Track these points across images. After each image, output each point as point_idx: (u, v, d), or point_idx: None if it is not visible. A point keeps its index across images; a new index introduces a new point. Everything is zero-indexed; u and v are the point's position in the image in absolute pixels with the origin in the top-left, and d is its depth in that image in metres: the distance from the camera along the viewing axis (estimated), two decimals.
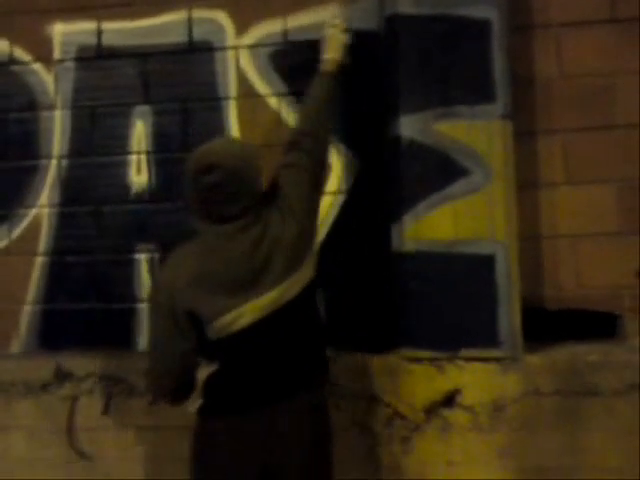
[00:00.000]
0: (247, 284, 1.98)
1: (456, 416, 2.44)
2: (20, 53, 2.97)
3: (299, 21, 2.77)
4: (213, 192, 1.97)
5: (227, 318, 1.98)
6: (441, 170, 2.44)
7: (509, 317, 2.42)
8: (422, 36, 2.45)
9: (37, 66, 2.95)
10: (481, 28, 2.42)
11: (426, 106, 2.44)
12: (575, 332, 2.58)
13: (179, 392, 2.07)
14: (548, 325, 2.61)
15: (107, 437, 2.64)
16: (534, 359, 2.42)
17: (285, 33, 2.78)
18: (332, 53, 2.37)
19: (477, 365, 2.42)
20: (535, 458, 2.39)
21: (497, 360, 2.41)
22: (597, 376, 2.35)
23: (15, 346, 2.93)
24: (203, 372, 2.04)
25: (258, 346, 2.00)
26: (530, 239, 2.64)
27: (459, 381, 2.44)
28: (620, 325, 2.57)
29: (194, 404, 2.05)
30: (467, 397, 2.44)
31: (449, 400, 2.44)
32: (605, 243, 2.60)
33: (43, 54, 2.94)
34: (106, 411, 2.62)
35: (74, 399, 2.67)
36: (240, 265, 1.98)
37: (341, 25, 2.43)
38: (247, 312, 1.98)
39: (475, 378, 2.43)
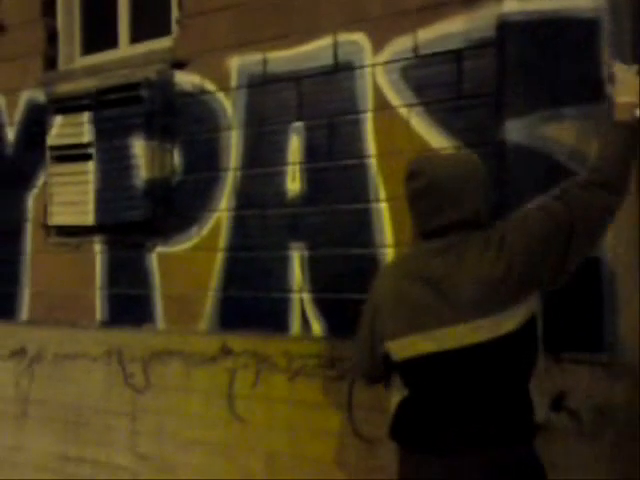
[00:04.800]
0: (433, 310, 1.72)
1: (561, 419, 2.18)
2: (208, 84, 3.23)
3: (426, 36, 2.67)
4: (416, 200, 1.79)
5: (405, 341, 1.76)
6: (548, 173, 2.21)
7: (616, 322, 2.11)
8: (528, 40, 2.25)
9: (220, 94, 3.18)
10: (588, 28, 2.13)
11: (532, 109, 2.23)
12: None
13: (371, 379, 2.01)
14: None
15: (256, 406, 2.79)
16: None
17: (415, 48, 2.69)
18: (625, 97, 1.86)
19: (582, 369, 2.14)
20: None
21: (602, 365, 2.11)
22: None
23: (202, 324, 3.20)
24: (395, 396, 1.84)
25: (446, 380, 1.73)
26: None
27: (564, 384, 2.18)
28: None
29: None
30: (572, 401, 2.17)
31: (555, 403, 2.19)
32: None
33: (224, 84, 3.17)
34: (255, 383, 2.77)
35: (233, 371, 2.86)
36: (430, 289, 1.73)
37: (635, 67, 1.94)
38: (428, 339, 1.72)
39: (580, 382, 2.15)
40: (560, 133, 2.24)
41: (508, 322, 1.68)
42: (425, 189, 1.74)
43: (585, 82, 2.22)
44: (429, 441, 1.74)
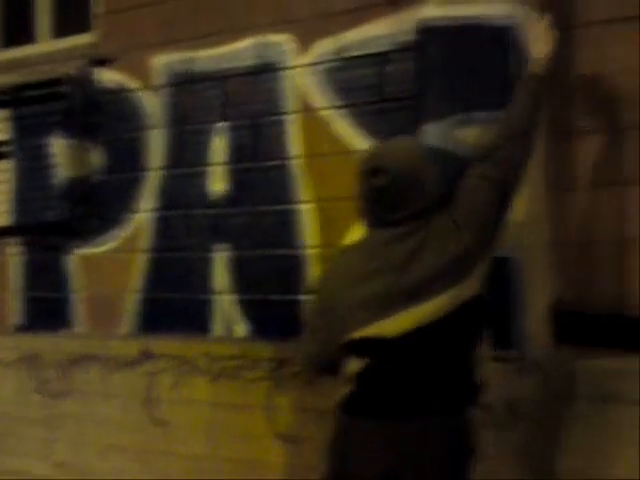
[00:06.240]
0: (398, 295, 1.77)
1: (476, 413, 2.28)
2: (131, 82, 3.22)
3: (350, 38, 2.75)
4: (378, 196, 1.80)
5: (370, 328, 1.80)
6: (461, 176, 2.29)
7: (524, 319, 2.23)
8: (444, 45, 2.35)
9: (143, 92, 3.17)
10: (500, 35, 2.25)
11: (447, 113, 2.33)
12: (615, 338, 2.31)
13: (322, 371, 2.02)
14: (588, 329, 2.35)
15: (177, 409, 2.79)
16: (551, 362, 2.20)
17: (339, 50, 2.77)
18: (539, 51, 1.98)
19: (495, 365, 2.25)
20: (550, 460, 2.18)
21: (513, 361, 2.22)
22: (615, 383, 2.09)
23: (123, 328, 3.18)
24: (353, 365, 1.85)
25: (405, 355, 1.79)
26: (570, 243, 2.40)
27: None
28: None
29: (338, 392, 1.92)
30: (485, 395, 2.27)
31: None
32: None
33: (148, 82, 3.17)
34: (176, 387, 2.77)
35: (153, 375, 2.85)
36: (394, 274, 1.78)
37: (548, 20, 2.02)
38: (394, 323, 1.78)
39: (493, 377, 2.26)
40: (473, 137, 2.36)
41: (471, 286, 1.78)
42: (390, 185, 1.77)
43: (498, 87, 2.34)
44: (386, 408, 1.80)
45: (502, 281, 2.29)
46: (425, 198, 1.79)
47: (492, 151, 1.86)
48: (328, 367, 1.94)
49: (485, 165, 1.85)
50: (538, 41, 2.00)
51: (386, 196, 1.78)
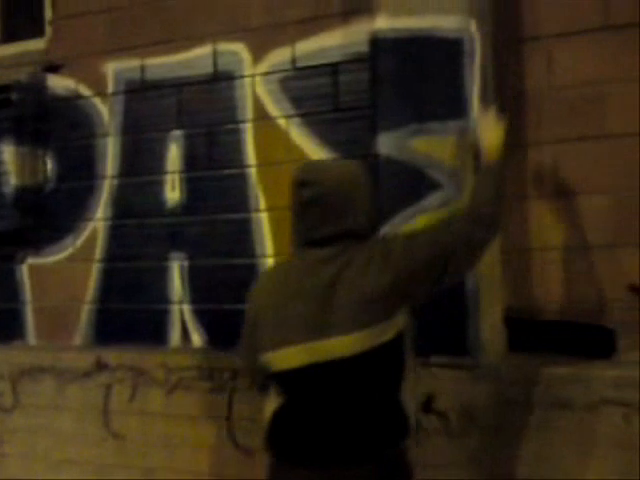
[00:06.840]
0: (313, 322, 1.69)
1: (430, 421, 2.31)
2: (83, 89, 3.17)
3: (305, 48, 2.75)
4: (304, 208, 1.74)
5: (282, 353, 1.72)
6: (415, 185, 2.33)
7: (478, 327, 2.26)
8: (397, 56, 2.38)
9: (95, 99, 3.13)
10: (452, 47, 2.29)
11: (401, 124, 2.36)
12: (566, 344, 2.36)
13: (259, 388, 1.92)
14: (538, 336, 2.41)
15: (133, 421, 2.75)
16: (504, 369, 2.24)
17: (293, 60, 2.77)
18: (490, 142, 1.94)
19: (449, 372, 2.28)
20: (504, 467, 2.22)
21: (467, 368, 2.25)
22: (568, 389, 2.14)
23: (77, 339, 3.13)
24: (271, 405, 1.79)
25: (320, 391, 1.70)
26: (520, 251, 2.45)
27: (432, 387, 2.31)
28: (613, 339, 2.32)
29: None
30: (440, 403, 2.30)
31: (425, 405, 2.31)
32: (595, 256, 2.35)
33: (100, 89, 3.12)
34: (132, 398, 2.73)
35: (109, 386, 2.81)
36: (311, 301, 1.70)
37: (493, 111, 2.03)
38: (304, 352, 1.69)
39: (447, 385, 2.29)
40: (426, 146, 2.39)
41: (385, 334, 1.70)
42: (314, 199, 1.72)
43: (449, 99, 2.38)
44: (301, 452, 1.73)
45: (456, 289, 2.32)
46: (348, 221, 1.72)
47: (454, 223, 1.79)
48: (260, 386, 1.88)
49: (443, 230, 1.78)
50: (488, 132, 1.97)
51: (310, 210, 1.73)
